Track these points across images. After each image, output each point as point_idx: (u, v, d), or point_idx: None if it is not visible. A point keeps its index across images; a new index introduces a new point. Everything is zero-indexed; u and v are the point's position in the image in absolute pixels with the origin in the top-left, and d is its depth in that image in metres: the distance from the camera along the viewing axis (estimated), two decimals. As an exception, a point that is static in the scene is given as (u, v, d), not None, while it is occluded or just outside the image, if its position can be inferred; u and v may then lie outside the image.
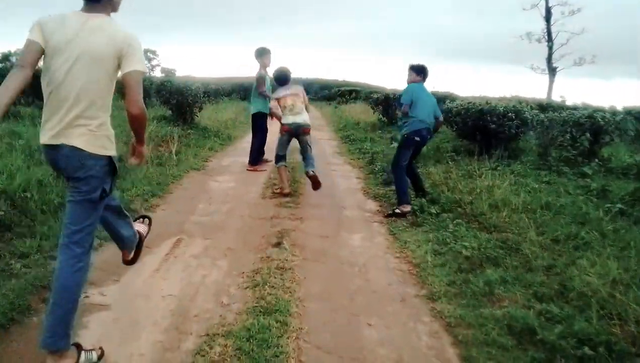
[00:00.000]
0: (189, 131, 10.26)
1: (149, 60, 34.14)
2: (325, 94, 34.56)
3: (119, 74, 2.29)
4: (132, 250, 2.98)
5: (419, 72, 5.74)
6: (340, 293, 3.45)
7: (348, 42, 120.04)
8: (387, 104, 14.28)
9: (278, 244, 4.27)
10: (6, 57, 15.40)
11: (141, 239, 3.03)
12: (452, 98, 13.78)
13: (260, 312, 3.00)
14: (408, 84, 5.71)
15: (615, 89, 52.09)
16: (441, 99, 13.83)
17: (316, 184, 6.05)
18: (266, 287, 3.38)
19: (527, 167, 7.71)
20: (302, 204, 5.78)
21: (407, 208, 5.36)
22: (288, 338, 2.73)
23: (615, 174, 7.60)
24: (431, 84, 19.24)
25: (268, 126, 7.82)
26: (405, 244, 4.49)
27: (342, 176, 7.75)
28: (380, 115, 14.89)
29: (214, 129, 11.60)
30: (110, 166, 2.38)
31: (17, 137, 6.46)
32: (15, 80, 2.13)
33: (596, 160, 8.13)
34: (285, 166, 6.31)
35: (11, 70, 2.19)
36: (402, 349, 2.77)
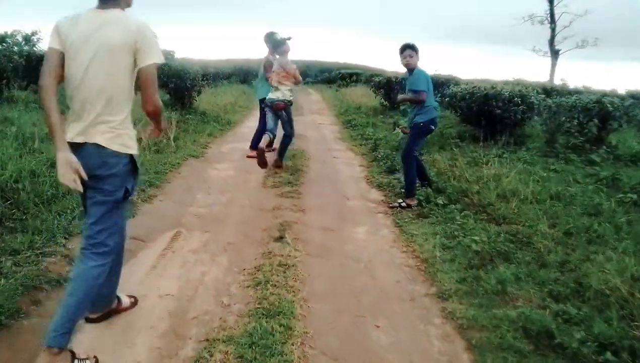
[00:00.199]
0: (187, 116, 10.04)
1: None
2: (325, 77, 34.26)
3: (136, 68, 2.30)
4: (101, 311, 2.72)
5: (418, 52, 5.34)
6: (346, 292, 3.29)
7: (346, 21, 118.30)
8: (389, 88, 13.99)
9: (280, 238, 4.10)
10: (2, 38, 15.09)
11: (117, 308, 2.81)
12: (455, 82, 13.50)
13: (263, 314, 2.84)
14: (413, 66, 5.25)
15: (616, 72, 51.54)
16: (444, 82, 13.60)
17: (262, 161, 6.47)
18: (268, 285, 3.22)
19: (534, 154, 7.53)
20: (304, 194, 5.60)
21: (414, 201, 5.18)
22: (292, 344, 2.58)
23: (624, 161, 7.42)
24: (433, 67, 18.99)
25: None
26: (412, 237, 4.33)
27: (344, 163, 7.57)
28: (382, 100, 14.62)
29: (213, 113, 11.35)
30: (132, 165, 2.39)
31: (10, 124, 6.25)
32: (51, 100, 2.18)
33: (604, 147, 7.94)
34: (269, 137, 6.65)
35: (40, 82, 2.22)
36: (413, 355, 2.63)
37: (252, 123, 10.16)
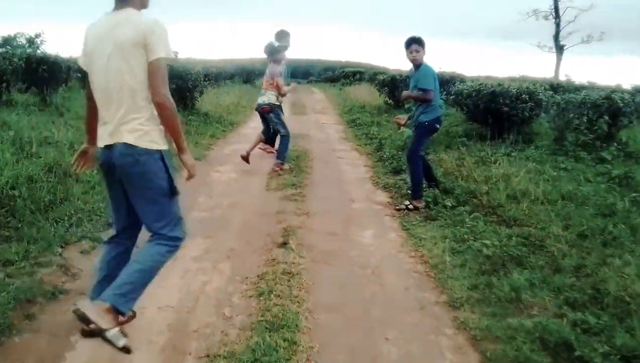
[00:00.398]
0: (189, 117, 9.91)
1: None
2: (329, 75, 34.22)
3: None
4: (110, 314, 2.24)
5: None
6: (353, 302, 3.15)
7: (347, 18, 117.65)
8: (394, 86, 13.82)
9: (284, 244, 3.97)
10: (7, 41, 15.01)
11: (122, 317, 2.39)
12: (461, 79, 13.31)
13: (266, 327, 2.70)
14: (420, 61, 5.06)
15: (618, 66, 51.04)
16: (449, 80, 13.40)
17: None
18: (272, 296, 3.09)
19: (543, 153, 7.35)
20: (308, 197, 5.46)
21: (422, 203, 5.03)
22: (298, 361, 2.44)
23: (635, 159, 7.23)
24: (437, 64, 18.74)
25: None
26: (420, 241, 4.18)
27: (349, 164, 7.43)
28: (386, 98, 14.45)
29: (215, 114, 11.23)
30: (163, 160, 2.39)
31: (7, 128, 6.14)
32: (93, 118, 2.46)
33: (615, 144, 7.75)
34: (262, 138, 7.01)
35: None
36: (425, 369, 2.49)
37: (254, 123, 10.03)
